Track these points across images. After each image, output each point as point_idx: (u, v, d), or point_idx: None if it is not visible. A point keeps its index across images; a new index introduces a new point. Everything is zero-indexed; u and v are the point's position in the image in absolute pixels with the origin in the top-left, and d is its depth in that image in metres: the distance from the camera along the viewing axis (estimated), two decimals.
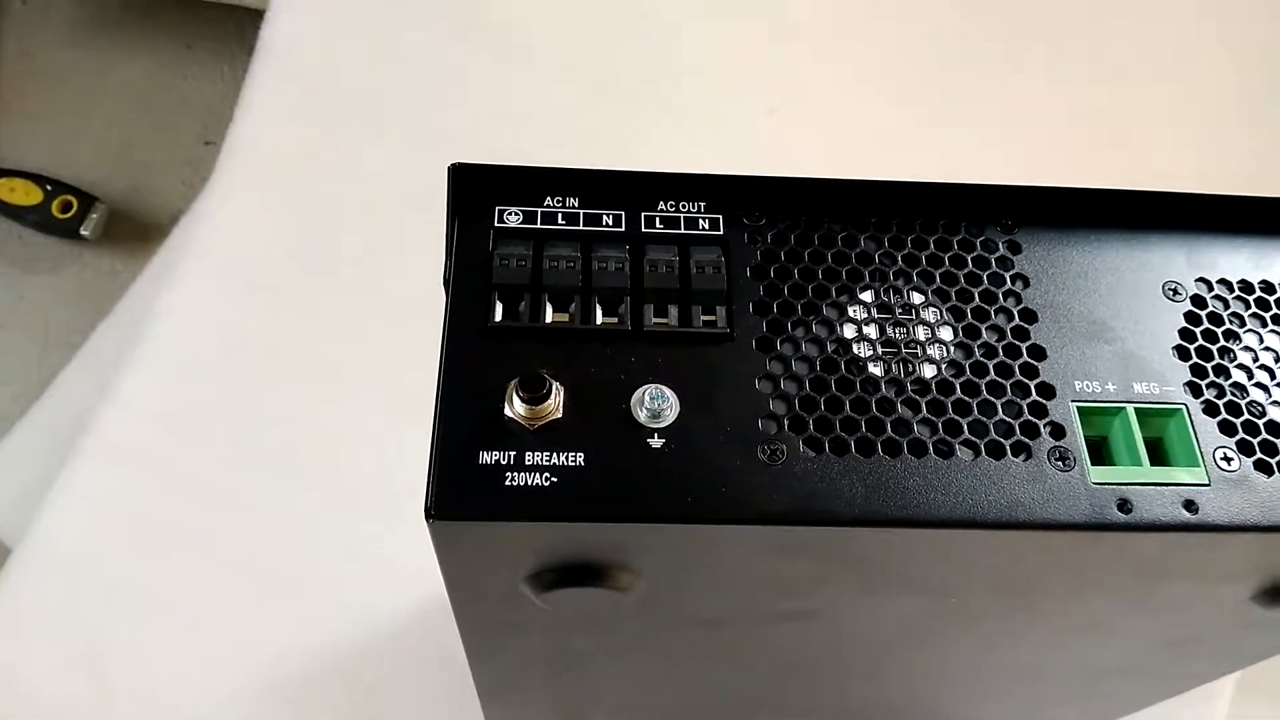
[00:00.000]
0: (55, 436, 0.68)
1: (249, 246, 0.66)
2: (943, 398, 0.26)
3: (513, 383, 0.24)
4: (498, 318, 0.26)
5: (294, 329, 0.64)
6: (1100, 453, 0.26)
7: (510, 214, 0.27)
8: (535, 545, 0.25)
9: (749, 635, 0.33)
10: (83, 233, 0.80)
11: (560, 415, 0.24)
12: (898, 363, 0.26)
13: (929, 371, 0.26)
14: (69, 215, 0.80)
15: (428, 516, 0.23)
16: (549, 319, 0.26)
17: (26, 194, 0.79)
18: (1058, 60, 0.64)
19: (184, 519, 0.62)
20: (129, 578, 0.60)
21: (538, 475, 0.24)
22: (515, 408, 0.24)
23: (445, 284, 0.27)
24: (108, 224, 0.82)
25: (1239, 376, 0.27)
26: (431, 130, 0.65)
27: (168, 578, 0.60)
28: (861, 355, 0.26)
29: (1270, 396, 0.27)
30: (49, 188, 0.80)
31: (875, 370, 0.26)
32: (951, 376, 0.26)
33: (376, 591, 0.61)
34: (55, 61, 0.87)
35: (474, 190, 0.27)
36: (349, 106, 0.65)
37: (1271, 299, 0.28)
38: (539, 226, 0.27)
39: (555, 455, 0.24)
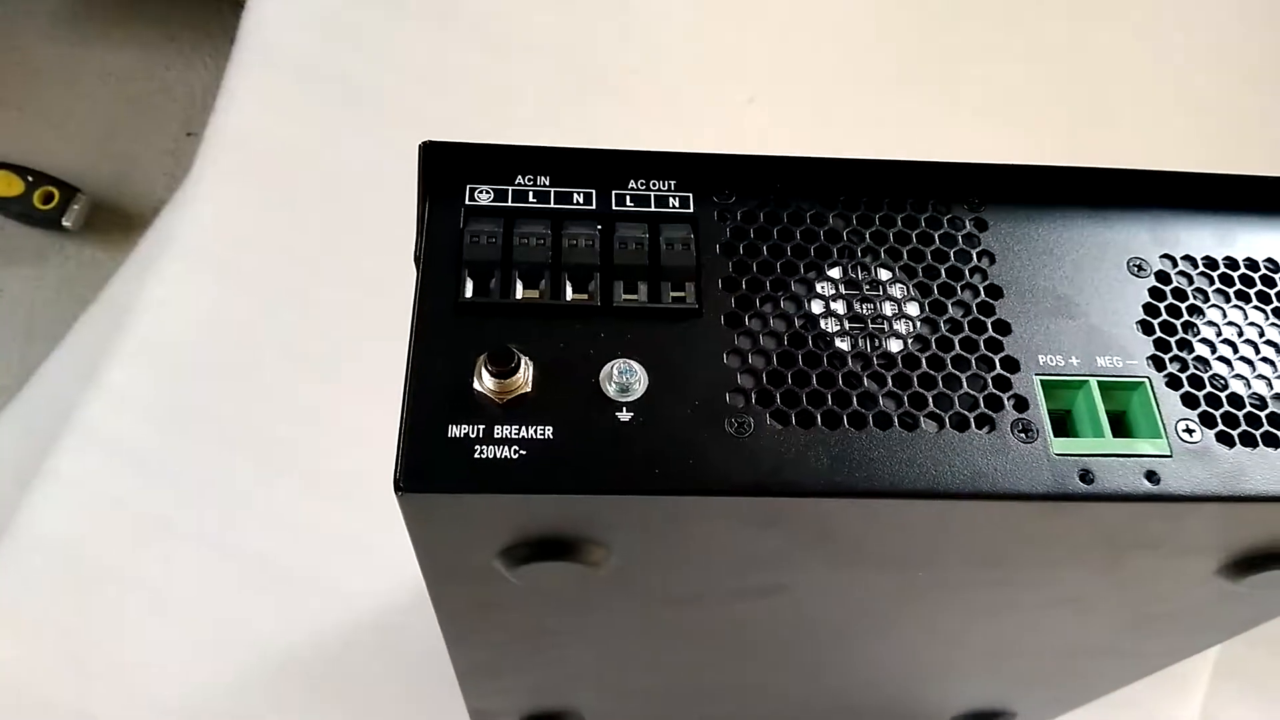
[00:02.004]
0: (38, 427, 0.67)
1: (231, 236, 0.66)
2: (908, 371, 0.26)
3: (481, 357, 0.24)
4: (468, 294, 0.26)
5: (276, 318, 0.64)
6: (1064, 425, 0.26)
7: (481, 192, 0.28)
8: (506, 519, 0.25)
9: (723, 613, 0.33)
10: (64, 223, 0.80)
11: (529, 389, 0.25)
12: (864, 337, 0.26)
13: (895, 346, 0.27)
14: (51, 206, 0.79)
15: (396, 489, 0.23)
16: (519, 295, 0.26)
17: (8, 185, 0.79)
18: (1039, 47, 0.64)
19: (167, 508, 0.62)
20: (112, 567, 0.60)
21: (506, 448, 0.24)
22: (484, 382, 0.24)
23: (416, 261, 0.27)
24: (90, 215, 0.82)
25: (1202, 350, 0.27)
26: (413, 118, 0.65)
27: (151, 567, 0.60)
28: (828, 330, 0.27)
29: (1233, 370, 0.27)
30: (30, 179, 0.80)
31: (842, 345, 0.26)
32: (917, 351, 0.26)
33: (361, 580, 0.61)
34: (37, 53, 0.87)
35: (445, 169, 0.28)
36: (330, 95, 0.65)
37: (1235, 274, 0.29)
38: (510, 204, 0.28)
39: (524, 428, 0.24)
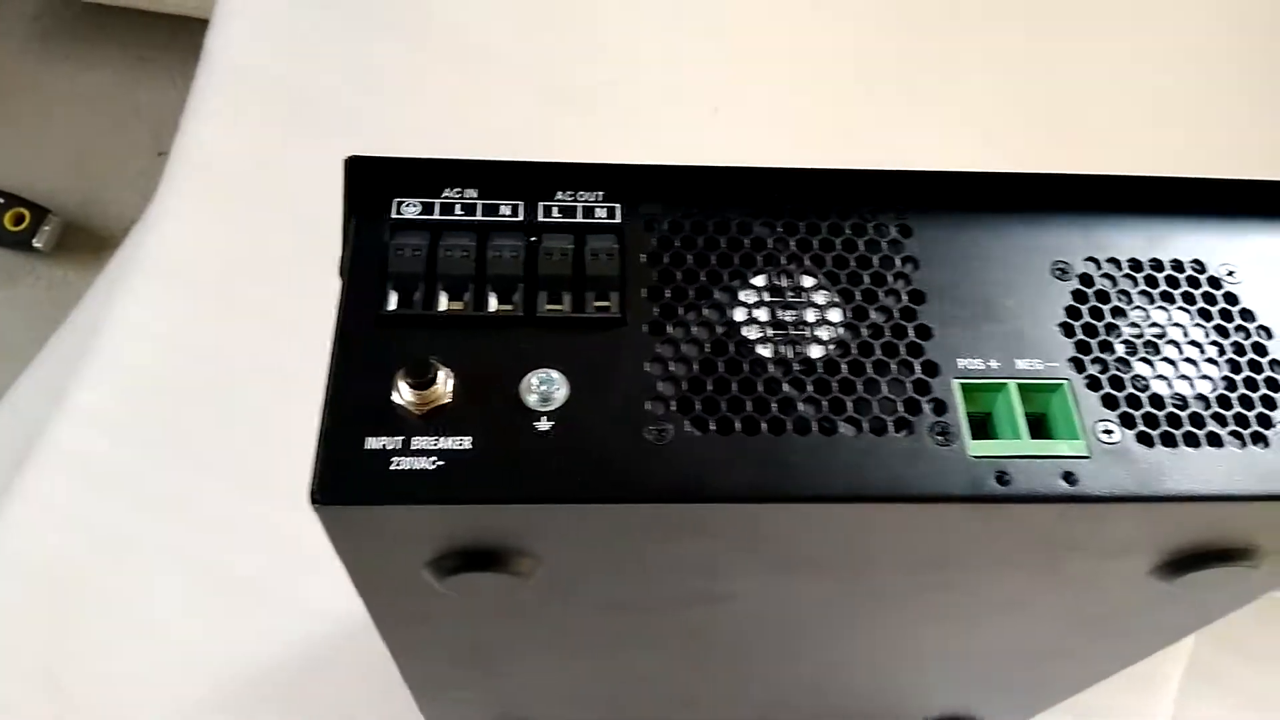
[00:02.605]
0: (9, 447, 0.68)
1: (198, 254, 0.66)
2: (828, 377, 0.26)
3: (400, 369, 0.24)
4: (391, 306, 0.26)
5: (244, 335, 0.65)
6: (985, 428, 0.26)
7: (407, 205, 0.28)
8: (429, 530, 0.25)
9: (667, 620, 0.33)
10: (36, 245, 0.80)
11: (449, 400, 0.25)
12: (786, 344, 0.27)
13: (816, 352, 0.27)
14: (21, 227, 0.80)
15: (312, 502, 0.23)
16: (443, 307, 0.26)
17: None
18: (1000, 58, 0.64)
19: (138, 527, 0.62)
20: (83, 586, 0.60)
21: (423, 459, 0.24)
22: (403, 394, 0.24)
23: (341, 274, 0.27)
24: (61, 236, 0.82)
25: (1124, 352, 0.27)
26: (380, 134, 0.65)
27: (123, 586, 0.60)
28: (750, 338, 0.27)
29: (1155, 371, 0.27)
30: (1, 200, 0.80)
31: (764, 352, 0.27)
32: (838, 356, 0.27)
33: (333, 595, 0.61)
34: (8, 75, 0.87)
35: (371, 182, 0.28)
36: (295, 112, 0.66)
37: (1160, 276, 0.29)
38: (436, 217, 0.28)
39: (442, 439, 0.24)
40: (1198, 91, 0.66)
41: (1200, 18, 0.63)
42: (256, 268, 0.65)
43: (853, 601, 0.33)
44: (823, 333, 0.27)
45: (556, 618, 0.32)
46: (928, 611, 0.35)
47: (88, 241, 0.83)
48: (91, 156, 0.85)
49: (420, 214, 0.28)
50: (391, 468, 0.24)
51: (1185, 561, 0.29)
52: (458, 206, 0.28)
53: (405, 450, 0.24)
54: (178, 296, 0.66)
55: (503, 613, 0.31)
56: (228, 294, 0.65)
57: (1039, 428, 0.27)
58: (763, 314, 0.27)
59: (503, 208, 0.28)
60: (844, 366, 0.26)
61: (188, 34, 0.86)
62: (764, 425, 0.25)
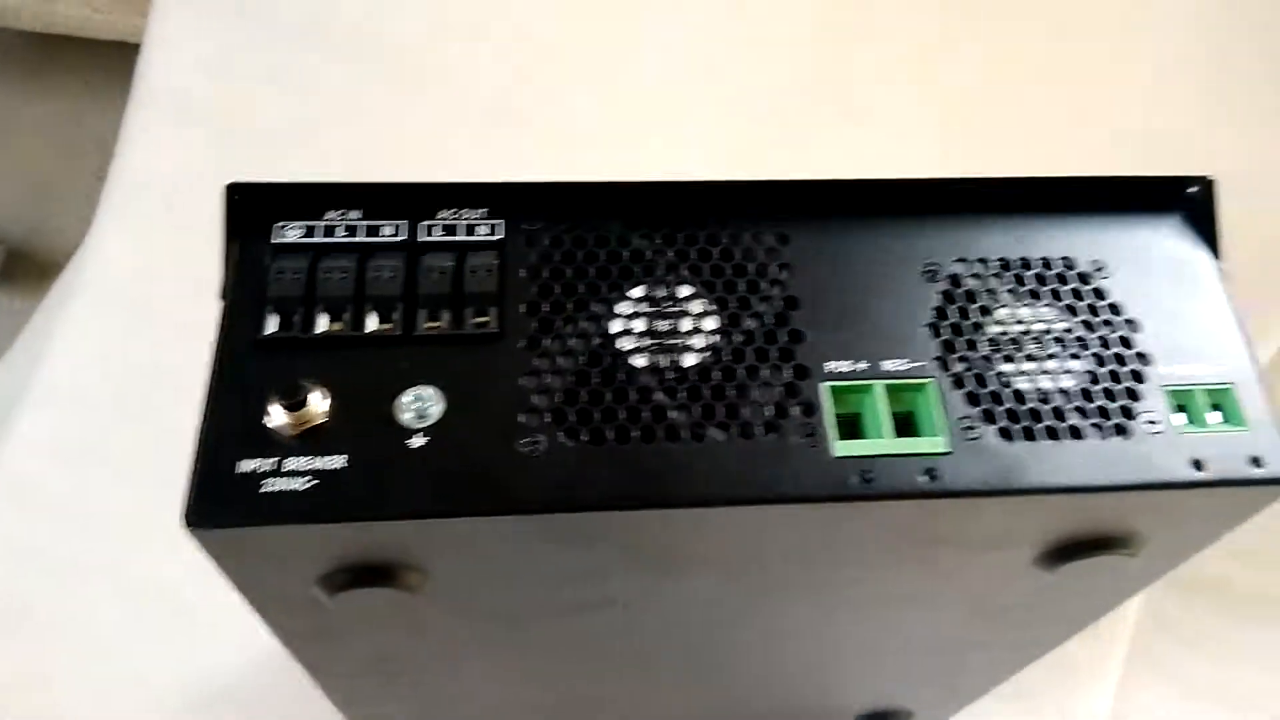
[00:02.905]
0: None
1: (136, 277, 0.67)
2: (701, 384, 0.27)
3: (272, 392, 0.25)
4: (269, 330, 0.27)
5: (185, 356, 0.64)
6: (855, 428, 0.27)
7: (289, 229, 0.28)
8: (311, 549, 0.26)
9: (565, 628, 0.34)
10: None
11: (324, 420, 0.25)
12: (661, 354, 0.27)
13: (690, 360, 0.27)
14: None
15: (185, 525, 0.24)
16: (322, 329, 0.27)
17: None
18: (919, 66, 0.65)
19: (84, 552, 0.62)
20: (30, 612, 0.60)
21: (296, 480, 0.25)
22: (276, 416, 0.25)
23: (221, 299, 0.28)
24: (6, 264, 0.82)
25: (989, 350, 0.28)
26: (315, 154, 0.66)
27: (69, 611, 0.61)
28: (625, 348, 0.27)
29: (1018, 367, 0.28)
30: None
31: (638, 362, 0.27)
32: (711, 364, 0.27)
33: None
34: None
35: (253, 207, 0.28)
36: (229, 133, 0.66)
37: (1029, 274, 0.30)
38: (318, 240, 0.28)
39: (316, 459, 0.25)
40: (1121, 90, 0.67)
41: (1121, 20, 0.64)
42: (194, 288, 0.65)
43: (745, 601, 0.34)
44: (697, 341, 0.28)
45: (457, 629, 0.33)
46: (824, 609, 0.35)
47: (34, 269, 0.83)
48: (36, 185, 0.85)
49: (302, 237, 0.28)
50: (263, 489, 0.24)
51: (1063, 551, 0.30)
52: (339, 228, 0.29)
53: (277, 472, 0.25)
54: (117, 320, 0.67)
55: (402, 626, 0.32)
56: (166, 315, 0.65)
57: (909, 426, 0.27)
58: (639, 324, 0.28)
59: (384, 228, 0.29)
60: (716, 373, 0.27)
61: (130, 60, 0.87)
62: (635, 434, 0.26)
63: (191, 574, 0.60)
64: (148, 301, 0.66)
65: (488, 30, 0.68)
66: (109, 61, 0.88)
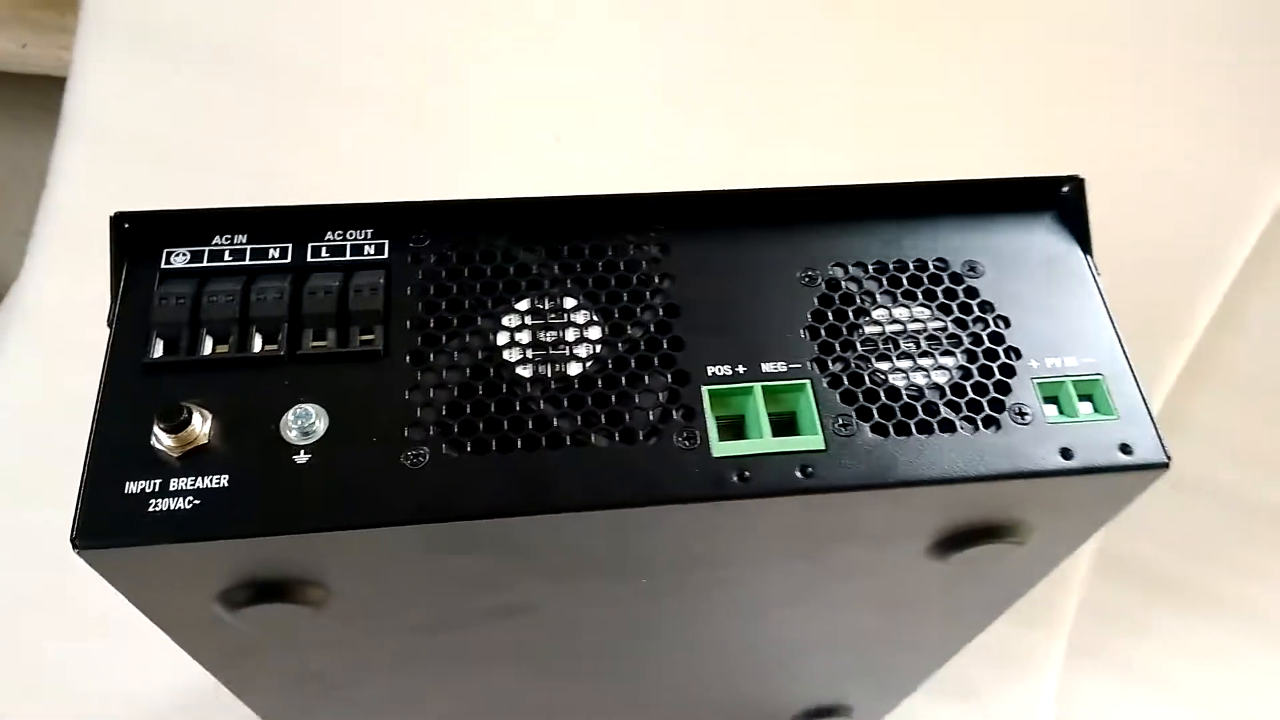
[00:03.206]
0: None
1: (69, 308, 0.67)
2: (583, 393, 0.28)
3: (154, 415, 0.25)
4: (156, 355, 0.27)
5: None
6: (739, 430, 0.28)
7: (176, 255, 0.29)
8: (205, 566, 0.26)
9: (479, 637, 0.34)
10: None
11: (207, 441, 0.26)
12: (545, 364, 0.28)
13: (574, 369, 0.28)
14: None
15: (73, 546, 0.24)
16: (208, 352, 0.27)
17: None
18: (839, 66, 0.66)
19: (25, 583, 0.62)
20: None
21: (180, 500, 0.25)
22: (160, 439, 0.25)
23: (109, 325, 0.28)
24: None
25: (865, 349, 0.29)
26: (244, 176, 0.66)
27: (22, 644, 0.61)
28: (510, 360, 0.28)
29: (893, 365, 0.29)
30: None
31: (523, 372, 0.28)
32: (594, 372, 0.28)
33: None
34: None
35: (140, 235, 0.29)
36: (158, 162, 0.66)
37: (904, 276, 0.31)
38: (205, 265, 0.29)
39: (200, 479, 0.25)
40: (1043, 95, 0.68)
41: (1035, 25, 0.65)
42: None
43: (654, 605, 0.34)
44: (581, 350, 0.28)
45: (372, 643, 0.33)
46: (735, 610, 0.36)
47: None
48: None
49: (189, 263, 0.29)
50: (150, 509, 0.25)
51: (951, 542, 0.31)
52: (226, 253, 0.29)
53: (163, 492, 0.25)
54: (51, 351, 0.67)
55: (317, 643, 0.32)
56: (99, 347, 0.65)
57: (790, 427, 0.28)
58: (524, 336, 0.29)
59: (271, 251, 0.29)
60: (599, 381, 0.28)
61: (62, 95, 0.87)
62: (519, 442, 0.27)
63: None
64: (80, 333, 0.66)
65: (402, 50, 0.69)
66: (38, 95, 0.88)
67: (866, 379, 0.29)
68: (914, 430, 0.28)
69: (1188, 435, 0.66)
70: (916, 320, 0.30)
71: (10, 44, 0.79)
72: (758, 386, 0.28)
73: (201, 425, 0.26)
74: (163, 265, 0.29)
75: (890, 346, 0.29)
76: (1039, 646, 0.67)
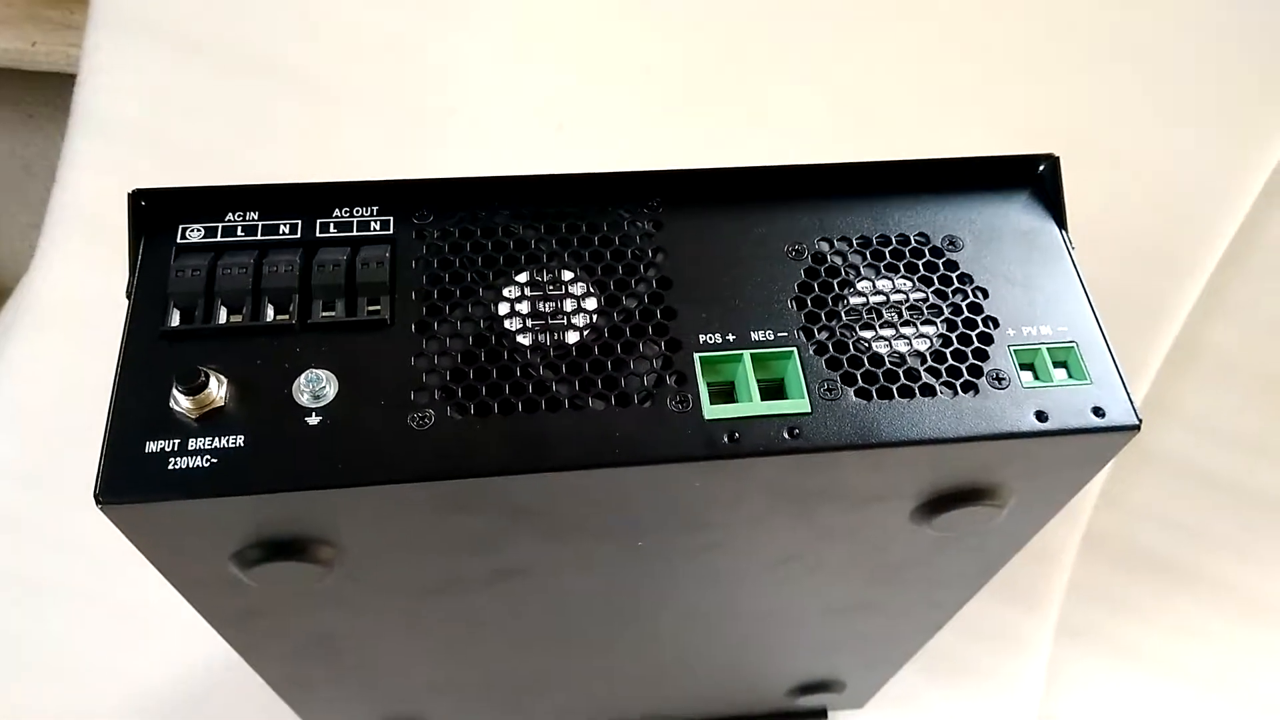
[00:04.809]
0: None
1: (80, 299, 0.68)
2: (581, 360, 0.29)
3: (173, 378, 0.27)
4: (173, 323, 0.29)
5: None
6: (730, 395, 0.29)
7: (192, 230, 0.30)
8: (222, 523, 0.28)
9: (480, 600, 0.36)
10: None
11: (223, 404, 0.27)
12: (544, 332, 0.29)
13: (572, 337, 0.30)
14: None
15: (97, 502, 0.26)
16: (222, 321, 0.29)
17: None
18: (827, 63, 0.68)
19: (45, 571, 0.64)
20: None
21: (199, 458, 0.26)
22: (178, 401, 0.27)
23: (128, 296, 0.30)
24: None
25: (849, 319, 0.31)
26: (248, 175, 0.68)
27: (35, 630, 0.62)
28: (511, 329, 0.29)
29: (877, 333, 0.30)
30: None
31: (524, 340, 0.29)
32: (591, 340, 0.29)
33: None
34: None
35: (157, 212, 0.30)
36: (166, 156, 0.68)
37: (887, 250, 0.32)
38: (219, 239, 0.30)
39: (217, 439, 0.27)
40: (1027, 80, 0.69)
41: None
42: None
43: (646, 569, 0.36)
44: (579, 320, 0.30)
45: (378, 602, 0.35)
46: (727, 575, 0.37)
47: None
48: None
49: (204, 237, 0.30)
50: (170, 467, 0.26)
51: (935, 504, 0.32)
52: (239, 228, 0.30)
53: (182, 451, 0.26)
54: (63, 341, 0.68)
55: (324, 604, 0.34)
56: (112, 336, 0.67)
57: (778, 391, 0.30)
58: (524, 306, 0.30)
59: (282, 226, 0.31)
60: (596, 349, 0.29)
61: (71, 89, 0.88)
62: (519, 405, 0.28)
63: (144, 587, 0.61)
64: (91, 323, 0.67)
65: (396, 44, 0.70)
66: (49, 92, 0.90)
67: (851, 346, 0.30)
68: (896, 394, 0.29)
69: (1174, 419, 0.68)
70: (899, 291, 0.31)
71: (20, 42, 0.81)
72: (747, 354, 0.29)
73: (218, 389, 0.27)
74: (178, 240, 0.30)
75: (873, 316, 0.31)
76: (1029, 626, 0.68)
